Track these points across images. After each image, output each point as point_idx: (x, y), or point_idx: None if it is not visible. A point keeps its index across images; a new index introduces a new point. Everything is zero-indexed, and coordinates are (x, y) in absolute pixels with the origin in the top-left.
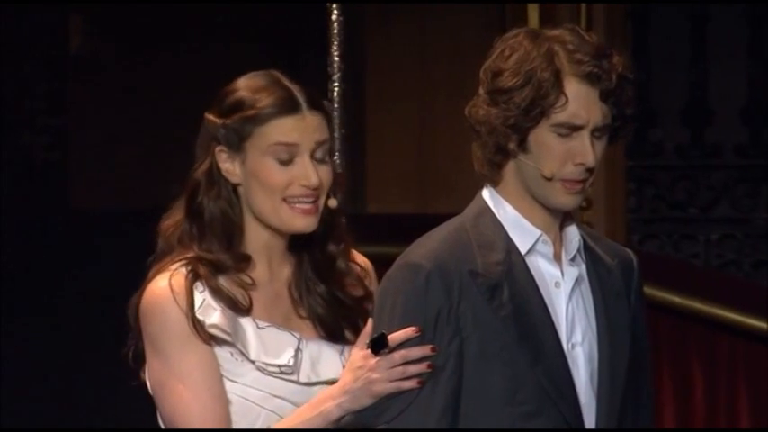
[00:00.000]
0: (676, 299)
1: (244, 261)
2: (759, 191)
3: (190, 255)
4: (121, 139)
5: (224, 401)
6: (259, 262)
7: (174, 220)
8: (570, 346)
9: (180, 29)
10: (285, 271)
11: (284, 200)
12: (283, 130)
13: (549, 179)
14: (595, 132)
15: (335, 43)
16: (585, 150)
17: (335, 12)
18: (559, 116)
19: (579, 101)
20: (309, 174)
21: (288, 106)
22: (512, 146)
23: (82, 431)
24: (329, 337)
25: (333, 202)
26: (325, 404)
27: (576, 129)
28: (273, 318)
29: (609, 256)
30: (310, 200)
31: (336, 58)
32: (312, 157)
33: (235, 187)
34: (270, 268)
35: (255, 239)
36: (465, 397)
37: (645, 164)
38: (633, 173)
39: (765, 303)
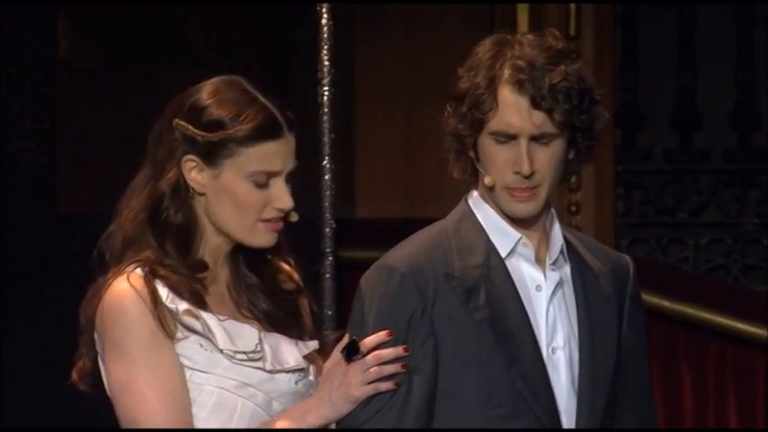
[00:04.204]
0: (665, 303)
1: (201, 269)
2: (747, 195)
3: (142, 257)
4: (110, 144)
5: (187, 405)
6: (207, 265)
7: (124, 228)
8: (551, 350)
9: (169, 33)
10: (224, 272)
11: (258, 219)
12: (267, 156)
13: (491, 188)
14: (538, 140)
15: (325, 47)
16: (520, 158)
17: (325, 15)
18: (493, 124)
19: (510, 108)
20: (285, 199)
21: (272, 130)
22: (471, 154)
23: (72, 431)
24: (276, 331)
25: (294, 217)
26: (307, 417)
27: (511, 137)
28: (222, 314)
29: (600, 261)
30: (279, 219)
31: (326, 63)
32: (286, 180)
33: (195, 194)
34: (214, 270)
35: (208, 244)
36: (440, 399)
37: (633, 168)
38: (621, 177)
39: (754, 308)
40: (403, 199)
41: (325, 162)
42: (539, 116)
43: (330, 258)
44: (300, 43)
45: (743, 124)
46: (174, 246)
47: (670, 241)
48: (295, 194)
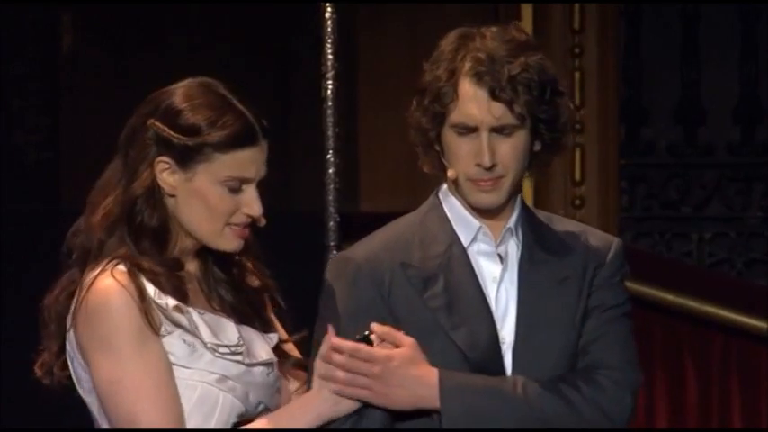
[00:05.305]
0: (669, 297)
1: (177, 268)
2: (751, 189)
3: (120, 253)
4: (112, 139)
5: (178, 398)
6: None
7: (96, 229)
8: (505, 333)
9: (171, 28)
10: (193, 266)
11: (226, 224)
12: (242, 163)
13: (454, 180)
14: (499, 131)
15: (329, 42)
16: (481, 150)
17: (329, 10)
18: (454, 116)
19: (469, 101)
20: (255, 206)
21: (248, 138)
22: (436, 147)
23: (72, 431)
24: (243, 323)
25: (263, 221)
26: (306, 414)
27: (471, 129)
28: (199, 307)
29: (571, 243)
30: (246, 225)
31: (330, 57)
32: (256, 186)
33: (166, 195)
34: (185, 265)
35: (179, 242)
36: None
37: (637, 162)
38: (625, 171)
39: (758, 302)
40: (407, 192)
41: (328, 156)
42: (498, 108)
43: (334, 252)
44: (304, 38)
45: (747, 118)
46: (150, 245)
47: (674, 235)
48: (267, 193)
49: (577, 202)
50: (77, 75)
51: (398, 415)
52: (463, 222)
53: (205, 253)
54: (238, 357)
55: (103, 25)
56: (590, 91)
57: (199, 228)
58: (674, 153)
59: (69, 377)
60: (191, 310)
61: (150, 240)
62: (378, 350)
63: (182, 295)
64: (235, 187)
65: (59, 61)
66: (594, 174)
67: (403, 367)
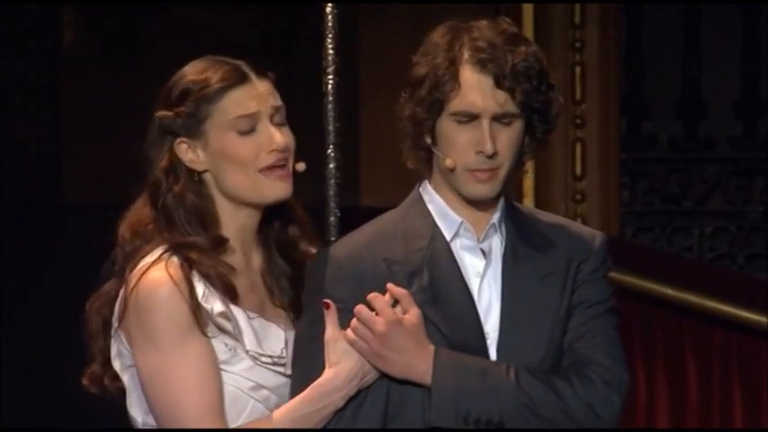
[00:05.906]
0: (670, 292)
1: (220, 244)
2: (752, 183)
3: (166, 243)
4: (114, 132)
5: (222, 394)
6: (235, 248)
7: (130, 222)
8: (487, 332)
9: (172, 23)
10: (257, 258)
11: (259, 171)
12: (238, 100)
13: (452, 170)
14: (499, 120)
15: (330, 36)
16: (483, 138)
17: (329, 4)
18: (455, 104)
19: (472, 88)
20: (274, 137)
21: (237, 77)
22: (427, 139)
23: (75, 430)
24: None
25: (301, 166)
26: (332, 397)
27: (473, 116)
28: (251, 306)
29: (554, 238)
30: (282, 164)
31: (331, 51)
32: (272, 122)
33: (200, 176)
34: (245, 255)
35: (230, 223)
36: (387, 378)
37: (638, 157)
38: (627, 166)
39: (758, 296)
40: (407, 187)
41: (329, 151)
42: (501, 95)
43: None
44: (304, 32)
45: (748, 112)
46: (185, 225)
47: (675, 230)
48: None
49: (578, 196)
50: (79, 69)
51: (394, 408)
52: (445, 217)
53: (270, 242)
54: (280, 369)
55: (104, 20)
56: (591, 85)
57: (237, 187)
58: (675, 147)
59: (120, 388)
60: (238, 315)
61: (186, 225)
62: (391, 310)
63: (231, 293)
64: (245, 129)
65: (61, 56)
66: (595, 168)
67: (405, 334)
